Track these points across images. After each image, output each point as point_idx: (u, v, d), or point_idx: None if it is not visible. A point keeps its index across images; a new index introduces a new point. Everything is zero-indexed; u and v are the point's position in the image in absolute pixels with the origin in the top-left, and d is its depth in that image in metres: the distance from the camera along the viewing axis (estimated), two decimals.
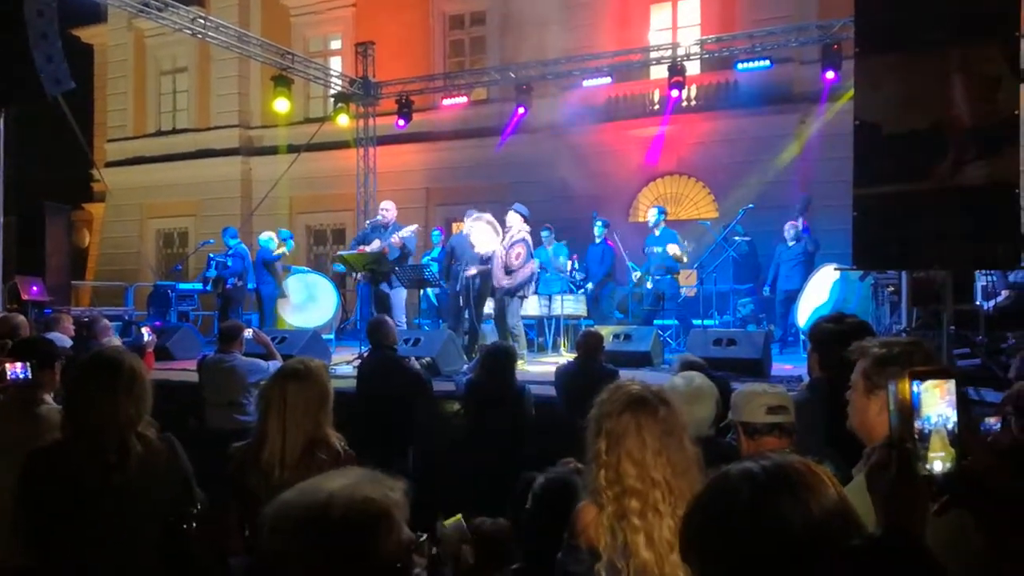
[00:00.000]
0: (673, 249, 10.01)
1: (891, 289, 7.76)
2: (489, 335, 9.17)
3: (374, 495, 1.19)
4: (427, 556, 1.47)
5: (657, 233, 10.38)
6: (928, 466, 1.20)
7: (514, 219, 8.78)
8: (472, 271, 8.80)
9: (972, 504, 1.31)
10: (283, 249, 11.75)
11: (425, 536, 1.42)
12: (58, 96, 8.47)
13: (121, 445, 2.28)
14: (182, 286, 12.87)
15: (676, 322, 10.45)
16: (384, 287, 9.29)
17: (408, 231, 9.32)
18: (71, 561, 2.28)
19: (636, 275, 10.51)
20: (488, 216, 9.02)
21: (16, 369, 2.87)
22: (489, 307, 9.37)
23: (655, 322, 10.22)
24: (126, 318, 12.14)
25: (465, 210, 9.92)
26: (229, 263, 11.02)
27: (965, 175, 5.60)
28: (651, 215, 10.60)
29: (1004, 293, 8.00)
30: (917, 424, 1.21)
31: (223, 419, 5.42)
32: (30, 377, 2.89)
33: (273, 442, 2.63)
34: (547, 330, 10.62)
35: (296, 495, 1.19)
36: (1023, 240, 7.18)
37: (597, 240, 11.08)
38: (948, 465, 1.20)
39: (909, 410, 1.21)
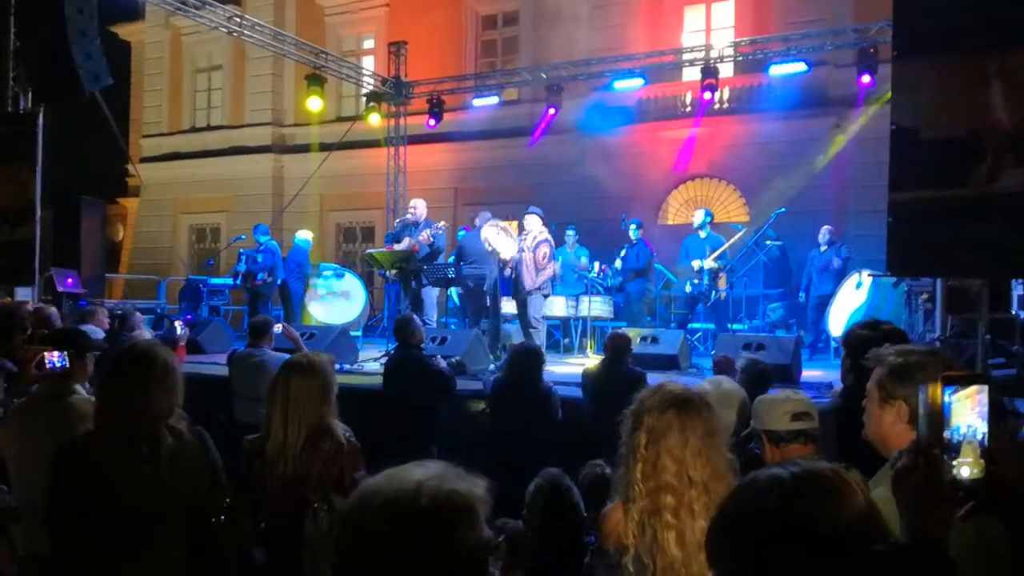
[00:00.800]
0: (710, 264, 9.89)
1: (925, 297, 7.63)
2: (514, 334, 9.18)
3: (460, 488, 1.19)
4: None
5: (703, 235, 10.25)
6: (955, 472, 1.20)
7: (533, 221, 8.90)
8: (506, 271, 8.88)
9: (1001, 510, 1.29)
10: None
11: (503, 537, 1.42)
12: (96, 92, 8.61)
13: (153, 437, 2.31)
14: (213, 281, 13.03)
15: (712, 326, 10.36)
16: (414, 285, 9.35)
17: (437, 228, 9.37)
18: (100, 552, 2.31)
19: (696, 263, 10.10)
20: (500, 222, 9.06)
21: (54, 358, 2.93)
22: (511, 307, 9.40)
23: (689, 325, 10.14)
24: (158, 311, 12.30)
25: (495, 210, 9.96)
26: (259, 259, 11.13)
27: (1003, 181, 5.50)
28: (697, 217, 10.44)
29: None
30: (946, 434, 1.21)
31: (252, 413, 5.45)
32: (67, 366, 2.95)
33: (276, 434, 2.70)
34: (573, 331, 10.59)
35: (384, 481, 1.19)
36: None
37: (633, 240, 10.98)
38: (975, 471, 1.20)
39: (939, 416, 1.20)
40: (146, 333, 6.68)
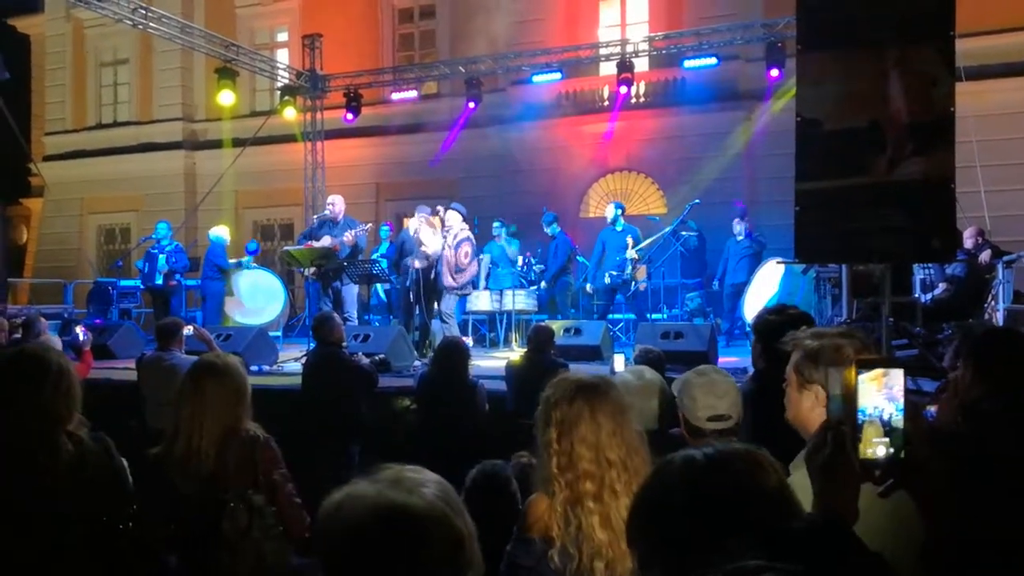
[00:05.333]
0: (632, 255, 10.07)
1: (832, 282, 7.93)
2: (439, 332, 9.14)
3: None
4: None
5: (618, 229, 10.41)
6: (871, 451, 1.23)
7: (454, 218, 8.83)
8: (417, 264, 8.76)
9: (915, 490, 1.34)
10: (244, 258, 11.66)
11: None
12: None
13: (50, 444, 2.21)
14: (123, 283, 12.54)
15: (633, 316, 10.54)
16: (335, 283, 9.20)
17: (362, 229, 9.25)
18: (1, 562, 2.20)
19: (640, 255, 10.28)
20: (428, 217, 8.97)
21: None
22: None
23: (609, 316, 10.29)
24: (65, 316, 11.79)
25: (416, 205, 9.86)
26: (174, 258, 10.78)
27: (902, 171, 5.74)
28: (609, 212, 10.63)
29: (941, 286, 8.24)
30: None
31: (163, 419, 5.25)
32: None
33: (188, 437, 2.63)
34: (499, 325, 10.61)
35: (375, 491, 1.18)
36: (958, 234, 7.44)
37: (552, 236, 11.07)
38: (891, 451, 1.23)
39: (853, 396, 1.23)
40: (54, 339, 6.39)
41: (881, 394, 1.23)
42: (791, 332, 2.08)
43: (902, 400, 1.24)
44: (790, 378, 1.98)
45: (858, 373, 1.23)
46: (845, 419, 1.25)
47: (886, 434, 1.23)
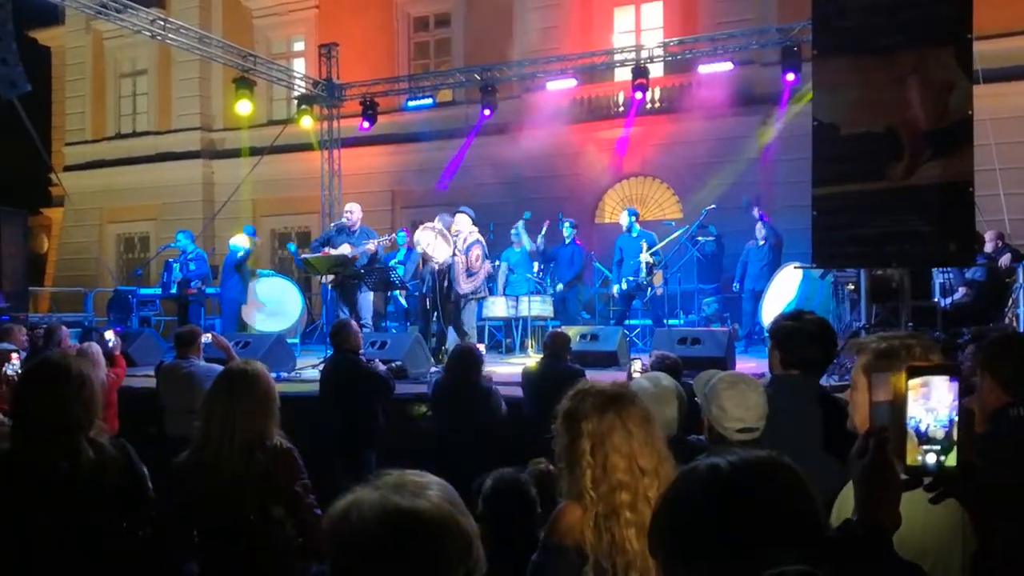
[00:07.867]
0: (645, 257, 10.06)
1: (851, 287, 7.87)
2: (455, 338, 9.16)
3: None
4: None
5: (634, 235, 10.40)
6: (919, 458, 1.22)
7: (464, 222, 8.80)
8: (425, 263, 8.80)
9: (964, 497, 1.33)
10: (248, 246, 11.65)
11: None
12: (14, 100, 8.31)
13: (71, 451, 2.24)
14: (143, 291, 12.67)
15: (649, 321, 10.52)
16: (364, 289, 9.26)
17: (386, 239, 9.32)
18: (23, 569, 2.23)
19: (656, 259, 10.31)
20: (438, 225, 8.94)
21: None
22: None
23: (626, 322, 10.27)
24: (86, 324, 11.90)
25: (433, 212, 9.87)
26: (192, 266, 10.86)
27: (920, 175, 5.72)
28: (623, 218, 10.66)
29: (961, 290, 8.16)
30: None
31: (182, 426, 5.28)
32: None
33: (221, 445, 2.62)
34: (515, 331, 10.61)
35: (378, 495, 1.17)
36: (977, 238, 7.38)
37: (567, 241, 11.08)
38: (941, 459, 1.22)
39: (903, 403, 1.23)
40: (94, 347, 6.43)
41: (918, 403, 1.22)
42: (852, 340, 2.04)
43: (942, 410, 1.22)
44: (857, 383, 1.92)
45: (908, 380, 1.22)
46: (891, 426, 1.24)
47: (921, 442, 1.22)
